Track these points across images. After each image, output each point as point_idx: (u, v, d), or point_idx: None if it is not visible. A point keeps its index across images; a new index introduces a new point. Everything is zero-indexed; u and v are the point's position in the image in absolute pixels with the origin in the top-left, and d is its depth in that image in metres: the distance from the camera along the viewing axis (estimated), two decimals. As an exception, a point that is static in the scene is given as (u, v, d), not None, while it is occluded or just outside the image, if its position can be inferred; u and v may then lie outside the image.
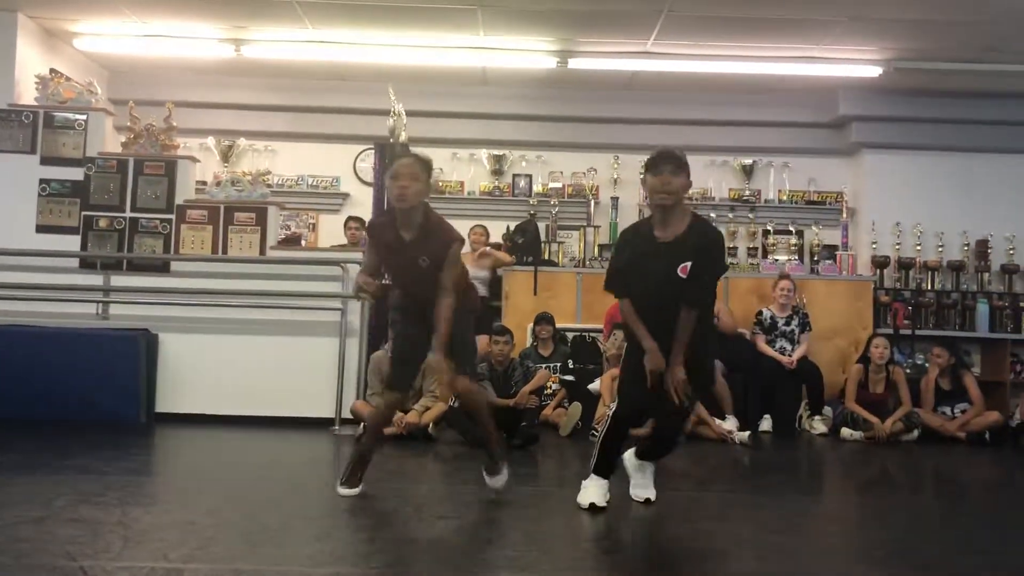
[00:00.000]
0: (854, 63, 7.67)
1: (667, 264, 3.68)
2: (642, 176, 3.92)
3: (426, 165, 3.91)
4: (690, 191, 3.85)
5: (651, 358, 3.69)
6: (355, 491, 3.95)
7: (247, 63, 8.03)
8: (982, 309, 8.34)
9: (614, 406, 3.97)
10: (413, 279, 3.95)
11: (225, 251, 6.75)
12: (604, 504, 3.83)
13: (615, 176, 8.95)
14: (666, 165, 3.65)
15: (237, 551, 3.04)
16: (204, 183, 7.82)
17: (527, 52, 7.69)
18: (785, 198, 8.89)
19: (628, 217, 8.84)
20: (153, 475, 4.83)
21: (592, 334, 7.65)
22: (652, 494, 4.02)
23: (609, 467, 3.93)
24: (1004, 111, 8.36)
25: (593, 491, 3.86)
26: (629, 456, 4.08)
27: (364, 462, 4.05)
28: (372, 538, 3.35)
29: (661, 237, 3.72)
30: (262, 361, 6.43)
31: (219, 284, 6.49)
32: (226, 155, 8.86)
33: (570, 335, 7.66)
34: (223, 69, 8.33)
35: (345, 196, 8.95)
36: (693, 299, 3.70)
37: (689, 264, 3.66)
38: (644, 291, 3.76)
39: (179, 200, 6.85)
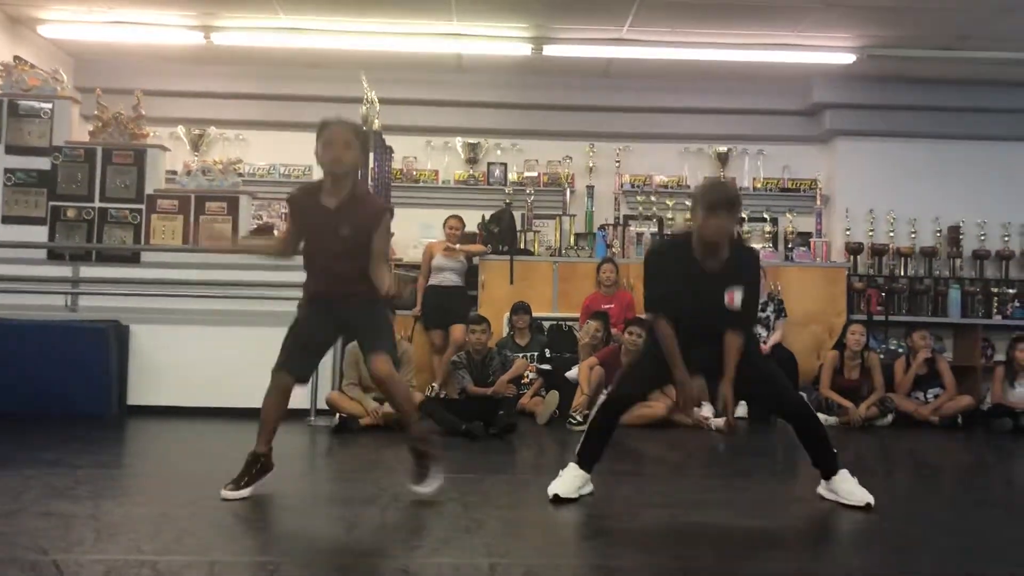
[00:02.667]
0: (828, 50, 7.70)
1: (714, 291, 3.66)
2: (690, 206, 3.89)
3: (359, 132, 3.77)
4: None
5: (684, 392, 3.72)
6: (242, 494, 3.59)
7: (217, 50, 7.92)
8: (954, 295, 8.43)
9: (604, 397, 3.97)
10: (331, 255, 3.67)
11: (196, 241, 6.66)
12: (573, 497, 3.70)
13: (591, 164, 8.93)
14: (722, 210, 3.59)
15: (212, 542, 2.99)
16: (174, 172, 7.70)
17: (501, 39, 7.64)
18: (760, 185, 8.92)
19: (604, 205, 8.86)
20: (125, 468, 4.75)
21: (569, 323, 7.66)
22: (871, 498, 3.75)
23: (592, 457, 3.81)
24: (976, 98, 8.44)
25: (565, 481, 3.74)
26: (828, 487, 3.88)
27: (257, 464, 3.70)
28: (349, 527, 3.31)
29: (707, 267, 3.69)
30: (235, 352, 6.33)
31: (190, 275, 6.41)
32: (196, 144, 8.74)
33: (547, 324, 7.65)
34: (193, 57, 8.22)
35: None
36: (743, 325, 3.72)
37: (738, 294, 3.66)
38: (686, 310, 3.69)
39: (149, 190, 6.74)
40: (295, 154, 8.83)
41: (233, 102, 8.70)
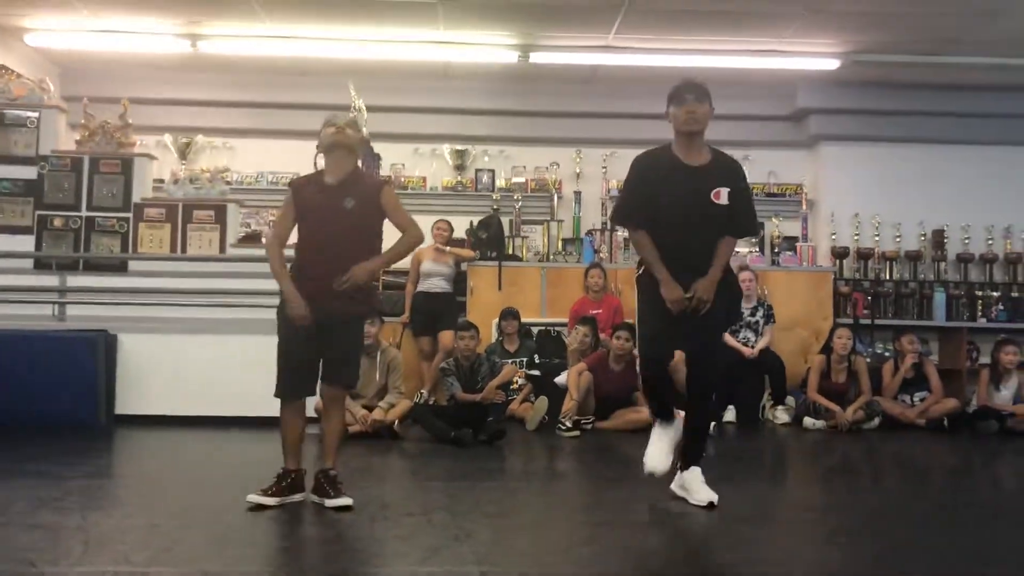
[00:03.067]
0: (812, 56, 7.76)
1: (697, 190, 3.68)
2: (665, 112, 3.86)
3: (358, 124, 3.88)
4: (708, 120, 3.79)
5: (666, 288, 3.67)
6: (265, 500, 3.63)
7: (204, 58, 7.91)
8: (939, 298, 8.49)
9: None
10: (332, 235, 3.67)
11: (184, 250, 6.65)
12: (664, 469, 3.83)
13: (578, 170, 8.96)
14: (689, 94, 3.72)
15: (202, 553, 2.99)
16: (162, 181, 7.70)
17: (488, 46, 7.66)
18: (746, 191, 8.95)
19: (591, 211, 8.89)
20: (113, 478, 4.74)
21: (557, 328, 7.67)
22: (714, 496, 3.76)
23: (668, 410, 3.91)
24: (960, 103, 8.50)
25: (655, 451, 3.85)
26: (680, 481, 3.92)
27: (287, 479, 3.74)
28: (338, 536, 3.32)
29: (689, 163, 3.73)
30: (223, 361, 6.32)
31: (178, 283, 6.39)
32: (184, 152, 8.72)
33: (535, 329, 7.67)
34: (179, 65, 8.20)
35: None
36: (739, 228, 3.76)
37: (724, 191, 3.68)
38: (669, 218, 3.70)
39: (136, 198, 6.74)
40: (283, 162, 8.79)
41: (220, 110, 8.68)
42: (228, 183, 7.79)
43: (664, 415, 3.93)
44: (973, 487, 5.07)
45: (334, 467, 3.79)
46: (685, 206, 3.69)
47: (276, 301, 5.67)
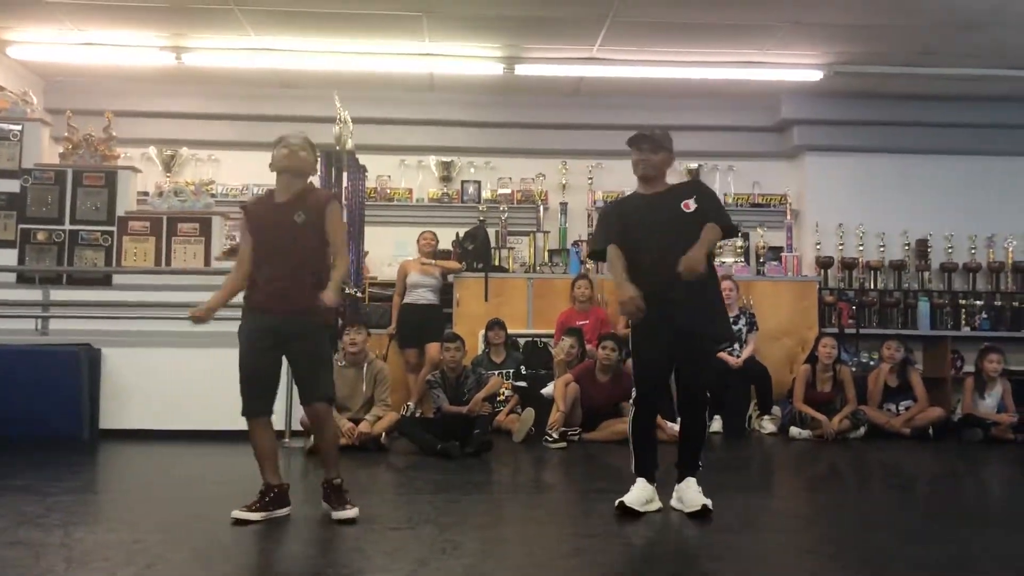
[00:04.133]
0: (795, 67, 7.81)
1: (667, 206, 3.96)
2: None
3: (311, 143, 3.93)
4: (666, 167, 4.09)
5: (620, 289, 3.89)
6: (250, 516, 3.61)
7: (189, 71, 7.89)
8: (923, 307, 8.54)
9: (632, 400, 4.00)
10: (283, 251, 3.74)
11: (169, 263, 6.62)
12: (640, 510, 3.80)
13: (563, 182, 8.98)
14: (644, 143, 4.04)
15: (186, 569, 2.97)
16: (146, 194, 7.67)
17: (473, 59, 7.68)
18: (731, 201, 8.98)
19: (577, 222, 8.91)
20: (97, 493, 4.70)
21: (544, 339, 7.67)
22: (706, 500, 3.87)
23: (647, 464, 3.93)
24: (940, 113, 8.58)
25: (633, 493, 3.86)
26: (676, 493, 3.97)
27: (269, 494, 3.74)
28: (324, 551, 3.30)
29: (647, 197, 4.04)
30: (209, 374, 6.22)
31: (163, 297, 6.36)
32: (168, 165, 8.69)
33: (522, 341, 7.67)
34: (164, 77, 8.18)
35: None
36: (715, 219, 3.91)
37: (691, 200, 3.96)
38: (647, 241, 3.94)
39: (120, 211, 6.71)
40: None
41: (205, 122, 8.66)
42: (213, 196, 7.76)
43: (645, 472, 3.93)
44: (959, 495, 5.09)
45: (337, 475, 3.82)
46: (659, 224, 3.94)
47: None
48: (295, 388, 6.17)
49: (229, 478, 4.97)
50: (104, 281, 6.59)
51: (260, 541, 3.41)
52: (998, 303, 8.58)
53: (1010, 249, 8.70)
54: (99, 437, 6.11)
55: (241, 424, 6.08)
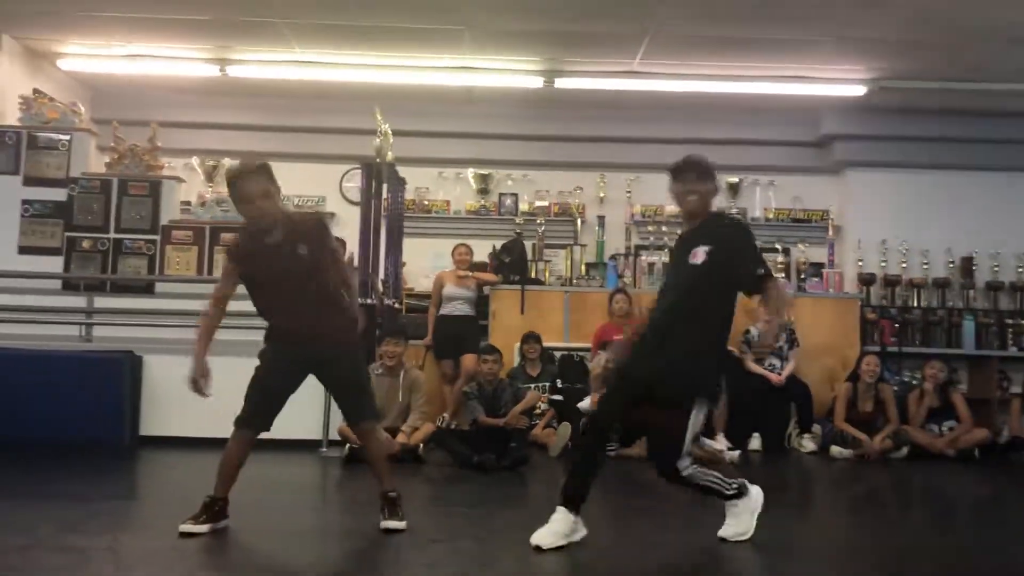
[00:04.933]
0: (839, 83, 7.73)
1: (683, 253, 3.62)
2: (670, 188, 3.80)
3: (266, 171, 3.65)
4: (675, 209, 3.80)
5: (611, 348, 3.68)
6: (199, 528, 3.54)
7: (232, 83, 8.00)
8: (968, 326, 8.37)
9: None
10: (292, 289, 3.64)
11: (211, 271, 6.69)
12: (550, 546, 3.40)
13: (601, 195, 8.96)
14: (689, 173, 3.69)
15: (223, 572, 2.98)
16: (189, 203, 7.76)
17: (513, 72, 7.70)
18: (771, 216, 8.92)
19: (615, 235, 8.88)
20: (140, 499, 4.75)
21: (580, 353, 7.63)
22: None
23: (577, 492, 3.52)
24: (986, 129, 8.43)
25: (547, 528, 3.46)
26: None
27: (215, 507, 3.67)
28: (367, 562, 3.30)
29: (683, 234, 3.79)
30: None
31: (204, 305, 6.39)
32: (211, 175, 8.80)
33: (558, 354, 7.64)
34: (208, 89, 8.30)
35: (331, 216, 8.90)
36: (716, 282, 3.49)
37: (704, 249, 3.51)
38: (665, 288, 3.76)
39: (164, 220, 6.80)
40: (309, 185, 8.87)
41: (247, 133, 8.75)
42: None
43: (572, 497, 3.51)
44: (1005, 521, 4.97)
45: (392, 488, 3.79)
46: (673, 275, 3.76)
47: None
48: (332, 402, 6.24)
49: (269, 486, 5.00)
50: (147, 289, 6.68)
51: (297, 549, 3.41)
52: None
53: (1038, 270, 8.52)
54: (139, 444, 6.18)
55: (281, 433, 6.12)
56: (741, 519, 3.65)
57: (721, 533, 3.65)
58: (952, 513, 5.22)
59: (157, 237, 6.76)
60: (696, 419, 3.50)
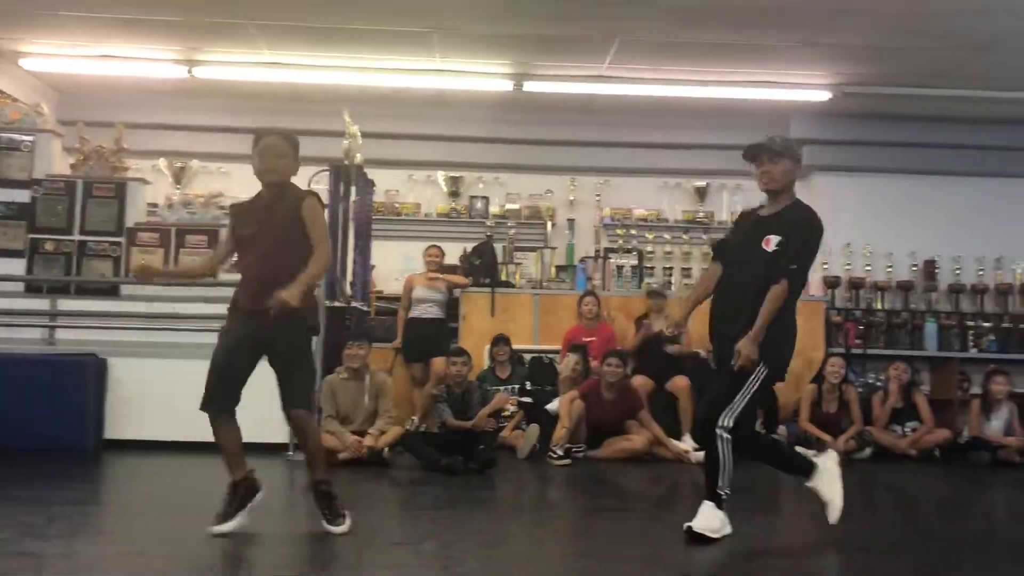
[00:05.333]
0: (804, 87, 7.83)
1: (757, 236, 3.78)
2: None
3: (294, 142, 3.78)
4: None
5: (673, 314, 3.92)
6: (229, 526, 3.56)
7: (200, 84, 7.95)
8: (930, 328, 8.51)
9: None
10: (263, 244, 3.66)
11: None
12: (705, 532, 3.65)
13: (571, 198, 9.00)
14: (762, 154, 3.82)
15: (187, 582, 2.96)
16: (156, 205, 7.69)
17: (483, 75, 7.72)
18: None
19: (585, 239, 8.92)
20: (101, 505, 4.70)
21: (550, 355, 7.65)
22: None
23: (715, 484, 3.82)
24: (950, 135, 8.58)
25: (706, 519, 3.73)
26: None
27: (237, 492, 3.69)
28: (326, 565, 3.29)
29: (762, 213, 3.90)
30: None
31: (170, 308, 6.38)
32: (178, 177, 8.74)
33: (528, 357, 7.65)
34: (176, 90, 8.24)
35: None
36: (778, 273, 3.68)
37: (776, 238, 3.71)
38: (732, 261, 3.91)
39: (129, 222, 6.73)
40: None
41: (216, 135, 8.71)
42: (222, 208, 7.78)
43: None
44: (965, 518, 5.05)
45: (325, 480, 3.74)
46: (741, 253, 3.86)
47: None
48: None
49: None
50: (112, 292, 6.61)
51: (262, 555, 3.40)
52: (1006, 325, 8.54)
53: (1018, 271, 8.68)
54: (104, 447, 6.11)
55: (249, 436, 6.09)
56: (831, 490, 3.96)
57: (830, 520, 3.93)
58: (914, 512, 5.30)
59: (122, 239, 6.69)
60: (754, 384, 3.77)
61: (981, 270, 8.71)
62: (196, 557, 3.29)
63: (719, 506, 3.76)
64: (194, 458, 5.84)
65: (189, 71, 7.52)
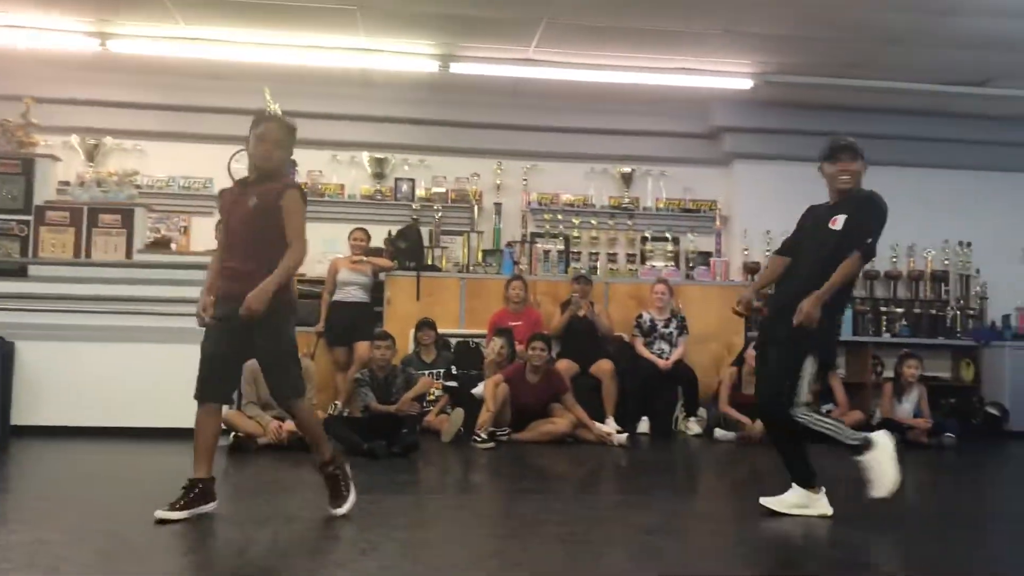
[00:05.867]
0: (727, 76, 7.93)
1: (824, 222, 4.04)
2: (819, 166, 4.23)
3: (291, 131, 3.81)
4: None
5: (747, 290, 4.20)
6: (174, 515, 3.51)
7: (114, 58, 7.65)
8: (846, 313, 8.74)
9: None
10: (241, 231, 3.68)
11: (88, 254, 6.42)
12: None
13: (498, 182, 8.97)
14: (844, 153, 4.12)
15: (92, 570, 2.87)
16: (67, 183, 7.41)
17: (408, 55, 7.62)
18: (662, 206, 9.10)
19: (512, 223, 8.91)
20: (4, 492, 4.51)
21: (476, 340, 7.65)
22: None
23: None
24: (865, 125, 8.75)
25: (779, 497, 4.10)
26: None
27: (194, 490, 3.62)
28: (240, 551, 3.22)
29: (832, 203, 4.15)
30: (128, 370, 6.13)
31: (81, 289, 6.17)
32: (91, 154, 8.43)
33: (453, 341, 7.63)
34: (89, 64, 7.92)
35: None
36: (850, 247, 3.92)
37: (843, 217, 3.97)
38: (799, 251, 4.17)
39: (38, 200, 6.48)
40: (195, 166, 8.60)
41: (131, 112, 8.43)
42: (137, 187, 7.55)
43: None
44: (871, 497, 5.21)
45: (330, 460, 3.79)
46: (812, 237, 4.13)
47: (180, 309, 5.49)
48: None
49: (145, 476, 4.84)
50: (19, 272, 6.36)
51: (175, 541, 3.31)
52: (917, 311, 8.84)
53: (929, 258, 8.97)
54: (10, 434, 5.89)
55: (160, 421, 5.95)
56: (882, 469, 3.97)
57: (872, 494, 3.98)
58: (829, 490, 5.44)
59: (30, 218, 6.43)
60: (808, 364, 3.97)
61: (894, 258, 8.98)
62: (101, 545, 3.19)
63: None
64: (104, 444, 5.69)
65: (102, 44, 7.23)
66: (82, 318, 6.17)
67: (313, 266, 8.30)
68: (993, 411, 8.09)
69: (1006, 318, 8.88)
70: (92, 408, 6.03)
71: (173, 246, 7.83)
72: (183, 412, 5.98)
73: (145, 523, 3.45)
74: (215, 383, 3.70)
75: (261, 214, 3.66)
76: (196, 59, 7.66)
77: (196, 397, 3.70)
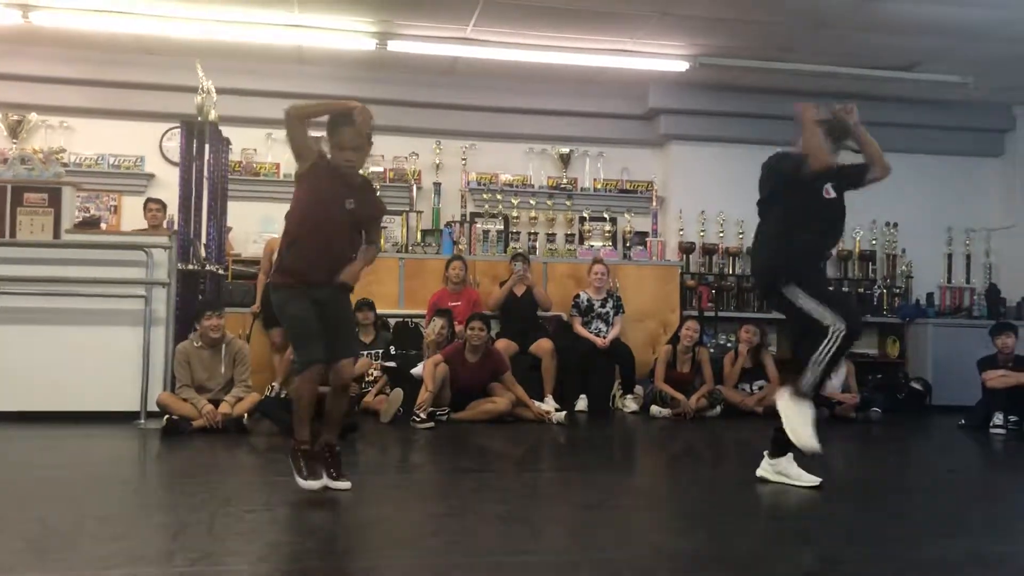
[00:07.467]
0: (663, 57, 8.01)
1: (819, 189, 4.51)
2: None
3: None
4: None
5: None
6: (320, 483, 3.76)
7: (38, 31, 7.40)
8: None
9: (839, 326, 4.16)
10: (334, 227, 3.88)
11: (13, 234, 6.23)
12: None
13: (437, 161, 8.94)
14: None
15: (18, 558, 2.80)
16: (-11, 160, 7.17)
17: (344, 32, 7.52)
18: (600, 186, 9.18)
19: (451, 202, 8.90)
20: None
21: (415, 320, 7.64)
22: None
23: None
24: (797, 107, 8.97)
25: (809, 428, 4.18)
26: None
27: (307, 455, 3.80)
28: (175, 535, 3.18)
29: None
30: (59, 353, 5.99)
31: (7, 270, 5.99)
32: (15, 131, 8.16)
33: (392, 321, 7.61)
34: (10, 37, 7.65)
35: (150, 177, 8.46)
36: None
37: (829, 185, 4.47)
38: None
39: (-43, 178, 6.26)
40: (126, 144, 8.40)
41: (57, 87, 8.17)
42: (64, 165, 7.35)
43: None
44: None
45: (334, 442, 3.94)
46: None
47: (113, 291, 5.34)
48: (150, 371, 5.97)
49: (78, 461, 4.74)
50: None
51: (104, 526, 3.26)
52: (845, 289, 9.08)
53: (857, 239, 9.22)
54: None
55: (86, 404, 5.84)
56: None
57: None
58: (756, 466, 5.58)
59: (-50, 197, 6.21)
60: (800, 298, 4.30)
61: (826, 237, 9.19)
62: (29, 530, 3.12)
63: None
64: (37, 429, 5.56)
65: (24, 16, 6.98)
66: (7, 300, 6.00)
67: (248, 245, 8.20)
68: (917, 386, 8.38)
69: (930, 296, 9.20)
70: (22, 392, 5.89)
71: (103, 225, 7.65)
72: (119, 394, 5.96)
73: (74, 509, 3.39)
74: (321, 344, 3.81)
75: (358, 219, 3.98)
76: (125, 33, 7.46)
77: (313, 358, 3.78)
